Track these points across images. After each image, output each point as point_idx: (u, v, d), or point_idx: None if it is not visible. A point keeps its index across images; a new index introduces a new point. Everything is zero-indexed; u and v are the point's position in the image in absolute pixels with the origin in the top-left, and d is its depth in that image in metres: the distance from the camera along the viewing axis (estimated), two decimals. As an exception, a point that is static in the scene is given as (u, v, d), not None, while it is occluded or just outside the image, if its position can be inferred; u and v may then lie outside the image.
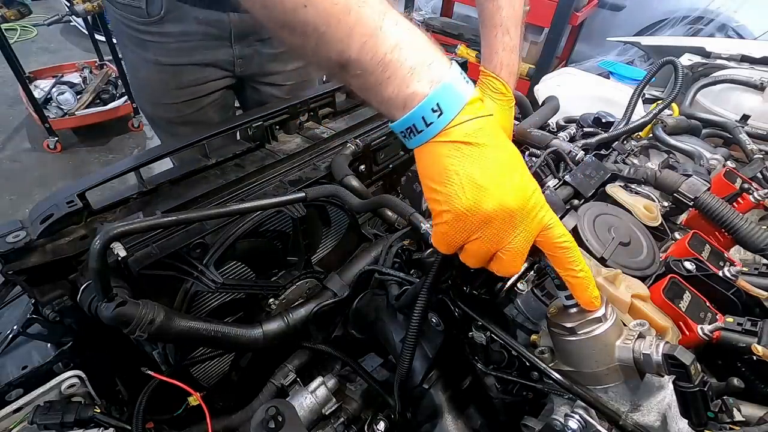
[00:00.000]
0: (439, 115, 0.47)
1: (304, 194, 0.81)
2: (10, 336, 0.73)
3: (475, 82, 0.54)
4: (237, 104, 1.53)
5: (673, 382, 0.52)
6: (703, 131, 1.26)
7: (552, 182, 0.88)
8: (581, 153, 0.96)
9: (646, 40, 2.29)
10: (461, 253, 0.54)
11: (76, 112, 3.16)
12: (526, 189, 0.50)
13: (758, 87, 1.46)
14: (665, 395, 0.52)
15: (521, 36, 1.00)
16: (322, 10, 0.46)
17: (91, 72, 3.48)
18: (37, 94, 3.07)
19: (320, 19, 0.46)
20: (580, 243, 0.73)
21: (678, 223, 0.94)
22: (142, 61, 1.23)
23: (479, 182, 0.48)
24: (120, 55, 1.49)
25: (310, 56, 0.51)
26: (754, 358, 0.58)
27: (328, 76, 1.06)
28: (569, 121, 1.27)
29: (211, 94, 1.32)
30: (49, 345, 0.75)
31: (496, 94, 0.97)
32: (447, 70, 0.48)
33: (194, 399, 0.74)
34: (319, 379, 0.77)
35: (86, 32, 3.56)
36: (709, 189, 0.86)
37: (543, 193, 0.82)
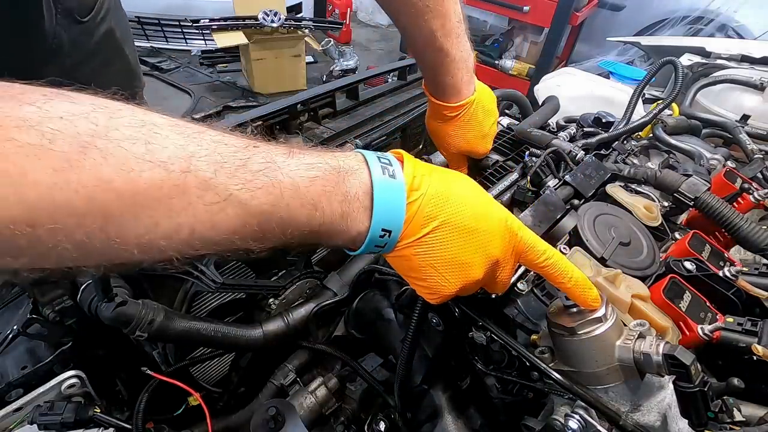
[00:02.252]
0: (389, 235, 0.45)
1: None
2: (10, 336, 0.73)
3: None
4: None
5: (674, 382, 0.52)
6: (703, 131, 1.26)
7: (552, 182, 0.88)
8: (581, 153, 0.96)
9: (646, 40, 2.30)
10: None
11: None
12: (499, 227, 0.49)
13: (758, 87, 1.46)
14: (665, 395, 0.52)
15: (464, 33, 0.80)
16: (219, 241, 0.38)
17: (91, 72, 3.48)
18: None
19: (221, 248, 0.39)
20: (580, 243, 0.73)
21: (678, 223, 0.94)
22: None
23: (458, 261, 0.47)
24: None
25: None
26: (754, 358, 0.58)
27: None
28: (569, 121, 1.27)
29: None
30: (49, 345, 0.75)
31: (451, 119, 0.86)
32: (370, 182, 0.44)
33: (194, 399, 0.74)
34: (319, 379, 0.77)
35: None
36: (709, 189, 0.86)
37: (543, 193, 0.83)
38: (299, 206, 0.40)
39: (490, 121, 0.91)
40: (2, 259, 0.30)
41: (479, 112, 0.87)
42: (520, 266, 0.71)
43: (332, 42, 4.53)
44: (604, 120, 1.16)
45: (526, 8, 3.37)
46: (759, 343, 0.57)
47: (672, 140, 1.11)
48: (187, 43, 4.21)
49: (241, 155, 0.38)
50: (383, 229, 0.44)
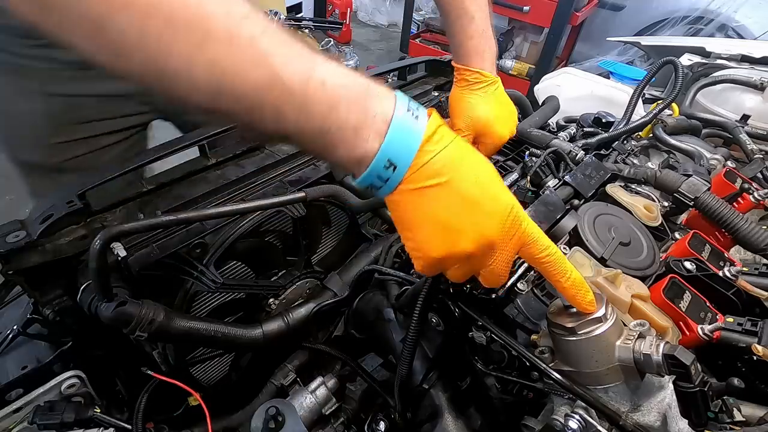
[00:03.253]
0: (393, 170, 0.44)
1: (304, 194, 0.81)
2: (10, 336, 0.73)
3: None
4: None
5: (674, 382, 0.52)
6: (703, 131, 1.26)
7: (552, 182, 0.88)
8: (581, 153, 0.96)
9: (646, 40, 2.29)
10: (445, 273, 0.54)
11: (76, 112, 3.16)
12: (503, 212, 0.48)
13: (758, 87, 1.46)
14: (665, 395, 0.52)
15: (489, 19, 0.95)
16: (242, 96, 0.40)
17: (91, 72, 3.47)
18: (37, 94, 3.07)
19: (241, 105, 0.41)
20: (580, 243, 0.73)
21: (678, 223, 0.94)
22: (20, 93, 0.97)
23: (451, 225, 0.46)
24: None
25: (247, 133, 0.48)
26: (754, 358, 0.58)
27: None
28: (569, 121, 1.27)
29: (117, 133, 1.08)
30: (49, 345, 0.75)
31: (474, 84, 0.94)
32: (391, 116, 0.44)
33: (194, 399, 0.74)
34: (319, 379, 0.77)
35: (86, 32, 3.56)
36: (709, 189, 0.86)
37: (543, 193, 0.83)
38: (319, 100, 0.42)
39: (514, 110, 0.96)
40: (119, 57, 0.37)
41: (505, 96, 0.95)
42: (519, 266, 0.71)
43: (332, 42, 4.52)
44: (604, 120, 1.16)
45: (526, 8, 3.37)
46: (759, 343, 0.57)
47: (672, 140, 1.11)
48: (187, 43, 4.20)
49: (288, 37, 0.42)
50: (389, 161, 0.44)
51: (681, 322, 0.62)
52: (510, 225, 0.48)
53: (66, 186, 0.77)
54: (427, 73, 1.44)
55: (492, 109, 0.95)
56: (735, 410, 0.56)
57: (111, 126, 1.06)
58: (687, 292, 0.65)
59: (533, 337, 0.64)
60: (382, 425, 0.72)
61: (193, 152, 0.93)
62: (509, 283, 0.69)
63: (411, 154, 0.44)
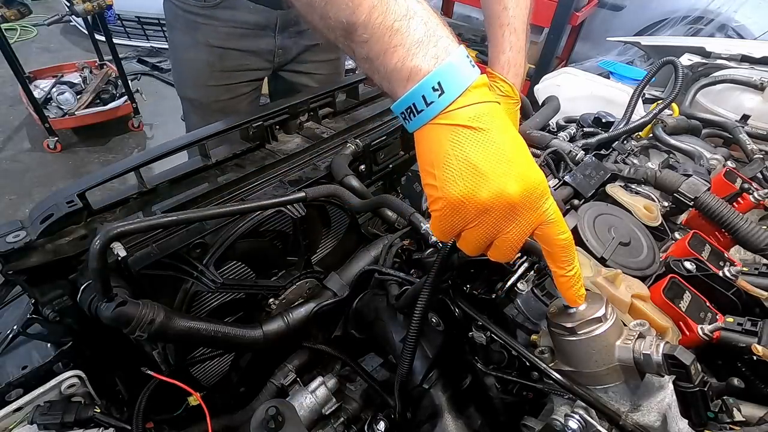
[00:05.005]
0: (440, 95, 0.45)
1: (304, 194, 0.81)
2: (10, 336, 0.73)
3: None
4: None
5: (674, 382, 0.52)
6: (703, 131, 1.26)
7: (552, 182, 0.88)
8: (581, 153, 0.96)
9: (646, 40, 2.29)
10: (458, 240, 0.52)
11: (76, 112, 3.16)
12: (530, 178, 0.47)
13: (758, 87, 1.46)
14: (665, 395, 0.52)
15: (527, 36, 1.01)
16: None
17: (91, 72, 3.48)
18: (37, 94, 3.07)
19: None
20: (580, 243, 0.73)
21: (678, 223, 0.94)
22: (191, 43, 1.32)
23: (478, 168, 0.45)
24: (166, 38, 1.52)
25: (317, 19, 0.51)
26: (754, 358, 0.58)
27: (334, 44, 1.05)
28: (569, 121, 1.27)
29: (249, 83, 1.40)
30: (49, 345, 0.75)
31: (502, 96, 0.97)
32: (454, 50, 0.46)
33: (194, 399, 0.74)
34: (319, 379, 0.77)
35: (86, 32, 3.56)
36: (709, 189, 0.86)
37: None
38: (402, 3, 0.46)
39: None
40: None
41: (518, 115, 1.01)
42: (519, 267, 0.71)
43: (332, 42, 4.53)
44: (604, 120, 1.16)
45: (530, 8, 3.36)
46: (759, 343, 0.57)
47: (672, 140, 1.11)
48: (187, 43, 4.21)
49: None
50: (439, 84, 0.45)
51: (681, 322, 0.62)
52: (537, 196, 0.47)
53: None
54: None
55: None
56: (735, 410, 0.56)
57: (244, 77, 1.38)
58: (687, 292, 0.65)
59: (533, 337, 0.64)
60: (382, 425, 0.72)
61: (193, 152, 0.93)
62: (509, 283, 0.69)
63: (462, 86, 0.45)
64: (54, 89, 3.18)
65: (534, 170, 0.48)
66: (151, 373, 0.74)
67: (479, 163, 0.45)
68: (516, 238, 0.49)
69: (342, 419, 0.77)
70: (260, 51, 1.36)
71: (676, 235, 0.85)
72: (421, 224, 0.77)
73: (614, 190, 0.88)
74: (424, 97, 0.45)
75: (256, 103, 1.53)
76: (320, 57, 1.47)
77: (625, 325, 0.56)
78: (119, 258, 0.67)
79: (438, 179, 0.47)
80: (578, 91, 1.88)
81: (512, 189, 0.46)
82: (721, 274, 0.70)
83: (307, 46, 1.42)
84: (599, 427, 0.52)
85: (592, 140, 1.04)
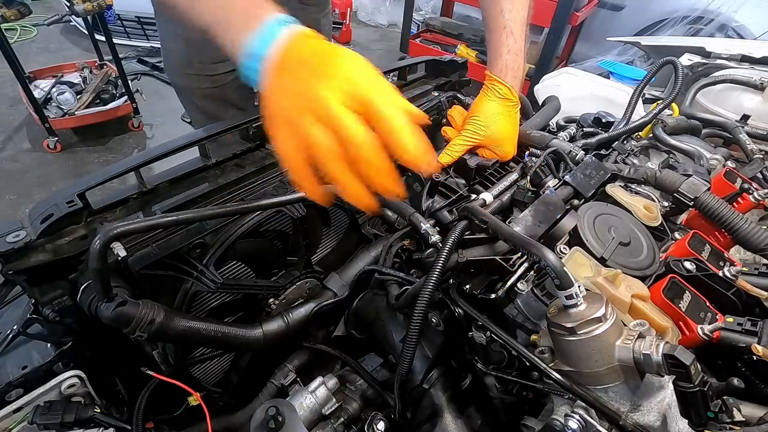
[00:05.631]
0: (256, 61, 0.55)
1: (304, 194, 0.81)
2: (10, 336, 0.73)
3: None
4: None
5: (673, 382, 0.52)
6: (703, 131, 1.26)
7: (552, 182, 0.88)
8: (581, 153, 0.96)
9: (646, 40, 2.29)
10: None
11: (76, 112, 3.16)
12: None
13: (758, 87, 1.46)
14: (665, 395, 0.52)
15: (526, 38, 1.01)
16: None
17: (91, 72, 3.47)
18: (37, 94, 3.06)
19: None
20: (580, 243, 0.73)
21: (678, 223, 0.94)
22: (172, 35, 1.34)
23: (280, 88, 0.53)
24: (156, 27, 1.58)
25: (183, 21, 0.65)
26: (754, 358, 0.58)
27: None
28: (569, 121, 1.27)
29: (229, 73, 1.38)
30: (49, 345, 0.75)
31: (502, 98, 0.97)
32: (262, 23, 0.56)
33: (194, 399, 0.74)
34: (319, 379, 0.77)
35: (86, 32, 3.56)
36: (709, 189, 0.86)
37: (543, 193, 0.83)
38: None
39: (518, 130, 1.01)
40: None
41: (518, 117, 1.01)
42: (519, 267, 0.71)
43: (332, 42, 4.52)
44: (604, 120, 1.16)
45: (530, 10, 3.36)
46: (759, 343, 0.57)
47: (672, 140, 1.11)
48: (187, 43, 4.21)
49: None
50: (252, 53, 0.56)
51: (681, 322, 0.62)
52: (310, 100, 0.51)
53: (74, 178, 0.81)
54: (426, 73, 1.44)
55: (508, 129, 0.98)
56: (735, 410, 0.56)
57: (224, 67, 1.36)
58: (687, 292, 0.65)
59: (533, 337, 0.64)
60: (381, 425, 0.72)
61: (192, 152, 0.93)
62: (509, 283, 0.69)
63: (269, 49, 0.55)
64: (54, 89, 3.17)
65: (316, 76, 0.53)
66: (151, 373, 0.74)
67: (294, 87, 0.55)
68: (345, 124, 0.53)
69: (342, 419, 0.77)
70: None
71: (676, 235, 0.85)
72: (421, 224, 0.77)
73: (614, 190, 0.88)
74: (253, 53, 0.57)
75: (246, 91, 1.51)
76: None
77: (625, 325, 0.56)
78: (119, 258, 0.67)
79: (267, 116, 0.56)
80: (578, 91, 1.89)
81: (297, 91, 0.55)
82: (721, 274, 0.70)
83: None
84: (599, 427, 0.52)
85: (592, 140, 1.04)
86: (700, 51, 1.79)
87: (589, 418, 0.52)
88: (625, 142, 1.11)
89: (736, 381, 0.59)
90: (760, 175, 1.00)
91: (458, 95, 1.26)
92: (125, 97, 3.35)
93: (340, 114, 0.50)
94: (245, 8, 0.57)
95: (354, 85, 0.51)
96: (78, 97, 3.23)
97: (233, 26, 0.57)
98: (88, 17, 3.00)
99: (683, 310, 0.62)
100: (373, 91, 0.51)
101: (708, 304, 0.65)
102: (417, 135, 0.52)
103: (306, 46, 0.54)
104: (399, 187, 0.53)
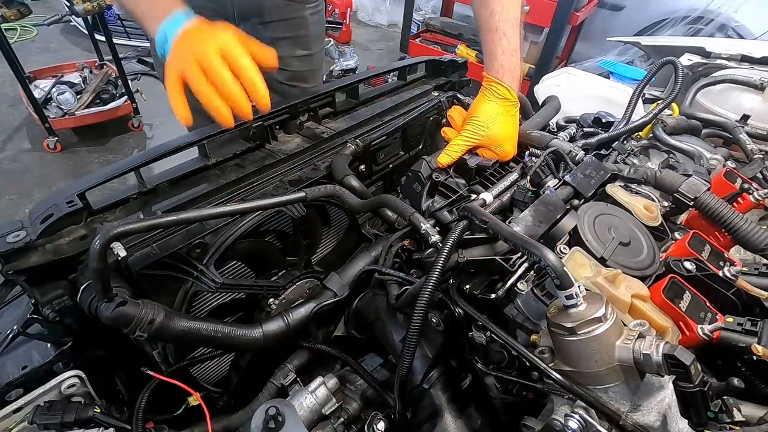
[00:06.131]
0: (167, 42, 0.81)
1: (304, 194, 0.81)
2: (10, 336, 0.73)
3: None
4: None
5: (673, 382, 0.52)
6: (703, 131, 1.26)
7: (552, 182, 0.88)
8: (581, 153, 0.96)
9: (646, 40, 2.29)
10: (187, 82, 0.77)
11: (76, 112, 3.16)
12: (198, 43, 0.77)
13: (758, 87, 1.46)
14: (665, 395, 0.52)
15: (520, 37, 1.01)
16: None
17: (91, 72, 3.48)
18: (37, 94, 3.07)
19: None
20: (580, 243, 0.73)
21: (678, 223, 0.94)
22: None
23: (175, 50, 0.79)
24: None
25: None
26: (754, 358, 0.58)
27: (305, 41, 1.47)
28: (569, 121, 1.27)
29: None
30: (49, 345, 0.75)
31: (501, 99, 0.97)
32: (172, 15, 0.81)
33: (194, 399, 0.74)
34: (319, 379, 0.77)
35: (86, 32, 3.56)
36: (709, 189, 0.86)
37: (543, 193, 0.83)
38: None
39: (518, 130, 1.02)
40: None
41: (518, 117, 1.01)
42: (519, 267, 0.71)
43: (332, 42, 4.52)
44: (604, 120, 1.16)
45: (526, 8, 3.36)
46: (759, 343, 0.57)
47: (672, 140, 1.11)
48: (187, 43, 4.21)
49: None
50: (165, 37, 0.81)
51: (681, 322, 0.62)
52: (201, 40, 0.77)
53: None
54: (426, 73, 1.44)
55: (508, 129, 0.98)
56: (735, 410, 0.56)
57: None
58: (687, 292, 0.65)
59: (533, 337, 0.64)
60: (381, 425, 0.72)
61: (192, 152, 0.93)
62: (509, 283, 0.69)
63: (173, 34, 0.80)
64: (54, 89, 3.17)
65: (202, 40, 0.77)
66: (151, 373, 0.74)
67: (174, 49, 0.80)
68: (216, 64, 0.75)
69: (342, 419, 0.77)
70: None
71: (676, 235, 0.85)
72: (421, 224, 0.77)
73: (614, 190, 0.88)
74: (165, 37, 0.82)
75: None
76: (289, 52, 1.44)
77: (625, 325, 0.56)
78: (119, 258, 0.67)
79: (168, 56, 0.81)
80: (578, 91, 1.89)
81: (184, 52, 0.78)
82: (721, 274, 0.70)
83: (272, 39, 1.39)
84: (599, 427, 0.52)
85: (592, 140, 1.04)
86: (700, 51, 1.79)
87: (589, 418, 0.52)
88: (625, 142, 1.11)
89: (736, 381, 0.59)
90: (760, 175, 1.00)
91: (458, 95, 1.26)
92: (125, 97, 3.35)
93: (213, 58, 0.74)
94: (164, 5, 0.83)
95: (223, 46, 0.75)
96: (78, 97, 3.23)
97: (154, 16, 0.83)
98: (88, 17, 3.00)
99: (683, 310, 0.62)
100: (235, 51, 0.76)
101: (708, 304, 0.65)
102: (257, 77, 0.76)
103: (197, 27, 0.80)
104: (247, 106, 0.76)
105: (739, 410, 0.57)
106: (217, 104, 0.74)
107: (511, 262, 0.71)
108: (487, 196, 0.86)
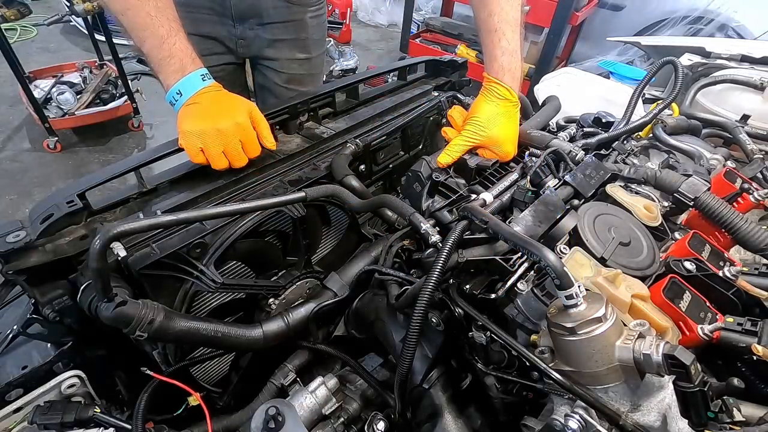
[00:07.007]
0: (180, 96, 0.87)
1: (304, 194, 0.81)
2: (10, 336, 0.73)
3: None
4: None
5: (674, 382, 0.52)
6: (703, 131, 1.26)
7: (552, 182, 0.88)
8: (581, 153, 0.96)
9: (646, 40, 2.29)
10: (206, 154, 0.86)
11: (76, 112, 3.16)
12: (219, 121, 0.85)
13: (758, 87, 1.46)
14: (665, 395, 0.52)
15: (521, 37, 1.01)
16: (131, 21, 0.86)
17: (91, 72, 3.48)
18: (37, 94, 3.07)
19: (129, 26, 0.87)
20: (580, 243, 0.73)
21: (678, 223, 0.94)
22: None
23: (194, 118, 0.85)
24: None
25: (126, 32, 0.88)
26: (754, 358, 0.58)
27: (304, 44, 1.48)
28: (569, 121, 1.27)
29: (215, 68, 1.38)
30: (49, 345, 0.75)
31: (501, 99, 0.97)
32: (189, 74, 0.88)
33: (194, 399, 0.74)
34: (319, 379, 0.77)
35: (86, 32, 3.56)
36: (709, 189, 0.86)
37: (543, 193, 0.83)
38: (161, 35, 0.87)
39: (519, 130, 1.03)
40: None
41: (518, 117, 1.02)
42: (519, 267, 0.71)
43: (332, 42, 4.52)
44: (604, 120, 1.16)
45: (526, 8, 3.36)
46: (759, 343, 0.57)
47: (672, 140, 1.11)
48: (187, 43, 4.21)
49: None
50: (179, 91, 0.87)
51: (681, 322, 0.62)
52: (225, 126, 0.86)
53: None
54: (426, 73, 1.44)
55: (508, 129, 0.98)
56: (735, 410, 0.56)
57: (208, 62, 1.34)
58: (687, 292, 0.65)
59: (533, 337, 0.64)
60: (381, 425, 0.72)
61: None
62: (509, 283, 0.69)
63: (191, 92, 0.87)
64: (54, 89, 3.17)
65: (222, 118, 0.86)
66: (151, 373, 0.74)
67: (195, 117, 0.86)
68: (233, 144, 0.87)
69: (342, 419, 0.77)
70: (221, 37, 1.37)
71: (676, 235, 0.85)
72: (421, 224, 0.77)
73: (614, 190, 0.88)
74: (174, 96, 0.88)
75: (237, 87, 1.50)
76: (288, 54, 1.45)
77: (625, 325, 0.56)
78: (119, 258, 0.67)
79: (179, 124, 0.87)
80: (578, 91, 1.89)
81: (220, 124, 0.86)
82: (721, 274, 0.70)
83: (270, 41, 1.40)
84: (599, 427, 0.52)
85: (592, 140, 1.04)
86: (700, 51, 1.79)
87: (589, 418, 0.52)
88: (625, 142, 1.11)
89: (736, 381, 0.59)
90: (760, 175, 1.00)
91: (458, 95, 1.26)
92: (125, 97, 3.35)
93: (238, 149, 0.88)
94: (181, 60, 0.88)
95: (242, 138, 0.88)
96: (78, 97, 3.23)
97: (171, 66, 0.87)
98: (88, 17, 3.00)
99: (683, 310, 0.62)
100: (252, 146, 0.90)
101: (708, 304, 0.65)
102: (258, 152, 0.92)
103: (215, 98, 0.89)
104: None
105: (739, 410, 0.57)
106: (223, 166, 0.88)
107: (511, 262, 0.71)
108: (487, 196, 0.86)
